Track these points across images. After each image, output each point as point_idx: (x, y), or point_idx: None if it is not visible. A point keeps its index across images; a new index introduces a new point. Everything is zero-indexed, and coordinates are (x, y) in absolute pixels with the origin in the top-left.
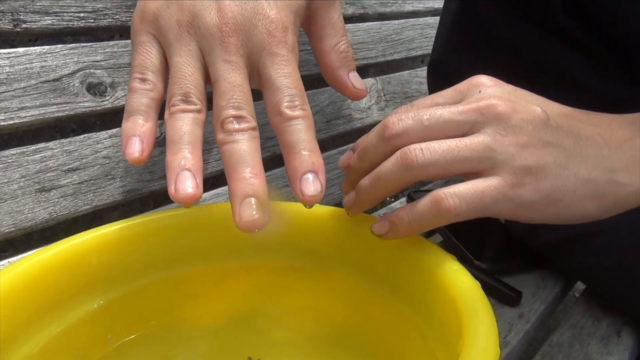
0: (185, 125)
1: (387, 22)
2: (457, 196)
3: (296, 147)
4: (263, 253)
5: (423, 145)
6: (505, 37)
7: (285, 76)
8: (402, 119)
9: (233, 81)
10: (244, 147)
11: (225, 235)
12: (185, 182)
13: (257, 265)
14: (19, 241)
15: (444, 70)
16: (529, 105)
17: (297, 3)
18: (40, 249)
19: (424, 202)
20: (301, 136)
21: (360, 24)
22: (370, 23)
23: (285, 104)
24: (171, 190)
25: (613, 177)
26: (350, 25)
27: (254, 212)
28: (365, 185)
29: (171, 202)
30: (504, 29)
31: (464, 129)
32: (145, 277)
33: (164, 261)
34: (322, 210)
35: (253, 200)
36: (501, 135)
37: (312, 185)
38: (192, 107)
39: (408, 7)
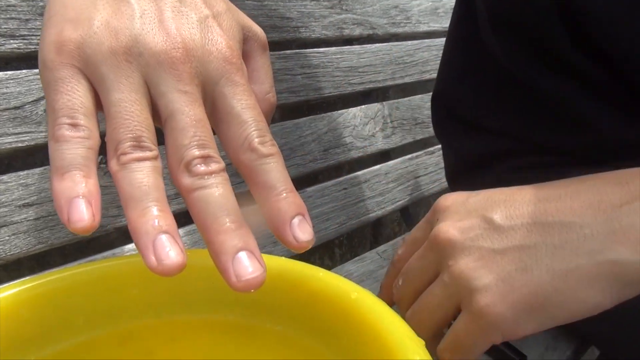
0: (146, 177)
1: (398, 43)
2: (448, 350)
3: (276, 189)
4: (216, 309)
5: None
6: (510, 71)
7: (250, 108)
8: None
9: (193, 115)
10: (219, 193)
11: (176, 286)
12: (168, 251)
13: (210, 321)
14: None
15: (448, 103)
16: (476, 217)
17: (239, 34)
18: None
19: None
20: (279, 176)
21: (368, 45)
22: (380, 44)
23: (257, 139)
24: (151, 261)
25: (605, 257)
26: (356, 47)
27: (251, 269)
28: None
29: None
30: (507, 62)
31: (431, 269)
32: (87, 333)
33: (109, 315)
34: (295, 266)
35: (246, 254)
36: (451, 266)
37: (305, 229)
38: (148, 153)
39: (423, 27)
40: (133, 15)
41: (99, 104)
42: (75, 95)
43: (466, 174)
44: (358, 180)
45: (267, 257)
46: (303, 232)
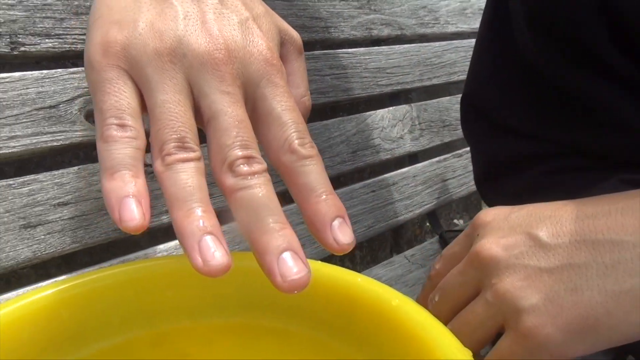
0: (190, 178)
1: (426, 44)
2: None
3: (316, 190)
4: (251, 312)
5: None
6: (544, 72)
7: (289, 110)
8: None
9: (235, 115)
10: (263, 193)
11: (211, 288)
12: (214, 252)
13: (245, 325)
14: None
15: (478, 105)
16: (521, 234)
17: (277, 36)
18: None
19: None
20: (319, 178)
21: (396, 46)
22: (408, 45)
23: (297, 141)
24: (198, 262)
25: None
26: (385, 48)
27: (296, 269)
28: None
29: (168, 239)
30: (542, 64)
31: (471, 287)
32: (123, 334)
33: (145, 316)
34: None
35: (290, 255)
36: (495, 285)
37: (345, 232)
38: (191, 154)
39: (451, 28)
40: (176, 17)
41: (144, 105)
42: (122, 96)
43: (496, 177)
44: (386, 183)
45: None
46: (344, 235)
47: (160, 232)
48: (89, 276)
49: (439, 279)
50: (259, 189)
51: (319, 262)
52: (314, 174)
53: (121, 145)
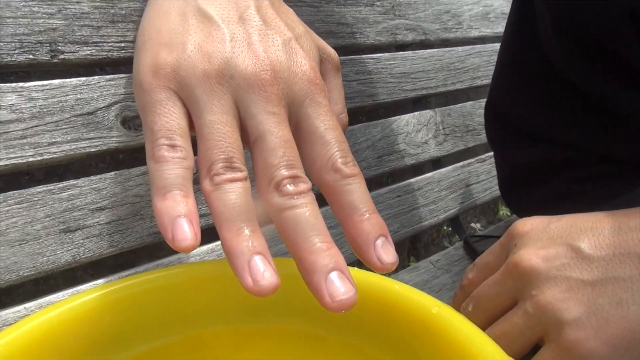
0: (238, 198)
1: (450, 48)
2: None
3: (360, 209)
4: (286, 318)
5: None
6: (572, 79)
7: (332, 129)
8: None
9: (282, 136)
10: (309, 213)
11: (246, 294)
12: (263, 272)
13: (279, 330)
14: (42, 284)
15: (503, 111)
16: (562, 245)
17: (317, 55)
18: (51, 304)
19: None
20: (361, 197)
21: (420, 51)
22: (432, 50)
23: (340, 160)
24: (248, 282)
25: None
26: (409, 53)
27: (343, 289)
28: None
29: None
30: (570, 71)
31: (508, 297)
32: (161, 338)
33: (182, 320)
34: (361, 276)
35: (337, 274)
36: (535, 296)
37: (388, 251)
38: (239, 174)
39: (474, 33)
40: (224, 39)
41: (192, 125)
42: (172, 117)
43: (522, 184)
44: (411, 188)
45: None
46: (387, 254)
47: None
48: (129, 281)
49: (472, 288)
50: (305, 208)
51: (355, 268)
52: (357, 193)
53: (172, 166)
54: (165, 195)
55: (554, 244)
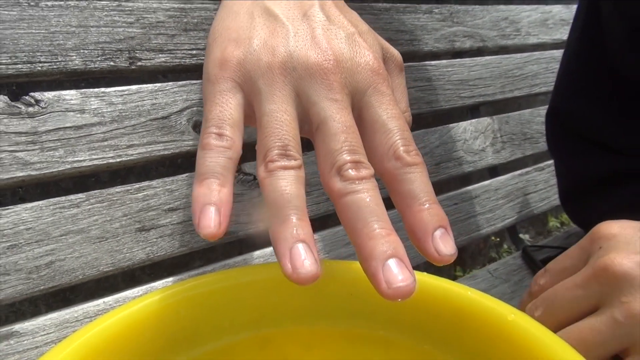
0: (289, 185)
1: (508, 55)
2: None
3: (420, 199)
4: (355, 320)
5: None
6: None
7: (395, 118)
8: (537, 306)
9: (344, 121)
10: (370, 198)
11: (316, 295)
12: (303, 260)
13: (348, 332)
14: (120, 280)
15: (565, 119)
16: None
17: (380, 51)
18: (132, 300)
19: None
20: (422, 186)
21: (478, 58)
22: (490, 57)
23: (402, 148)
24: (287, 268)
25: None
26: (467, 60)
27: (401, 277)
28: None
29: (263, 246)
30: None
31: (590, 302)
32: (232, 336)
33: (252, 319)
34: (429, 280)
35: (395, 262)
36: (627, 303)
37: (447, 242)
38: (293, 162)
39: (532, 40)
40: (287, 34)
41: (252, 118)
42: (227, 107)
43: (585, 194)
44: (469, 196)
45: None
46: (445, 245)
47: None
48: (204, 278)
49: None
50: (366, 193)
51: (424, 273)
52: (418, 182)
53: (215, 154)
54: (202, 181)
55: None
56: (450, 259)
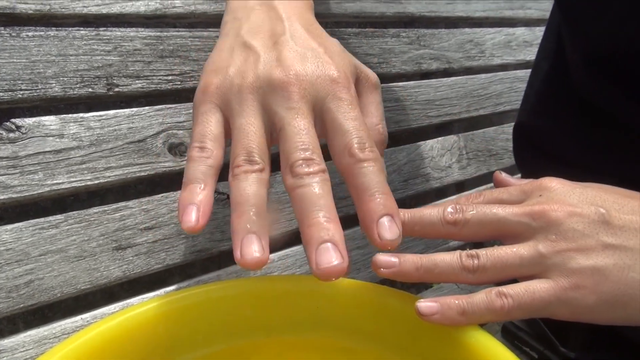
0: (249, 186)
1: (473, 76)
2: (511, 296)
3: (369, 190)
4: (322, 331)
5: (479, 251)
6: (601, 108)
7: (352, 119)
8: (463, 210)
9: (299, 125)
10: (315, 191)
11: (285, 308)
12: (251, 246)
13: (315, 342)
14: (100, 297)
15: (531, 135)
16: (590, 207)
17: (350, 68)
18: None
19: (480, 296)
20: (374, 179)
21: (444, 79)
22: (455, 78)
23: (356, 145)
24: (237, 255)
25: None
26: (433, 81)
27: (332, 259)
28: (417, 264)
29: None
30: (600, 101)
31: (517, 231)
32: (206, 348)
33: (225, 332)
34: (391, 293)
35: (330, 245)
36: (551, 241)
37: (390, 229)
38: (255, 167)
39: (497, 60)
40: (257, 60)
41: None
42: (207, 125)
43: None
44: None
45: (384, 289)
46: (387, 231)
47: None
48: (180, 294)
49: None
50: (313, 187)
51: (385, 287)
52: (370, 175)
53: (197, 164)
54: (187, 187)
55: (582, 205)
56: (392, 244)
